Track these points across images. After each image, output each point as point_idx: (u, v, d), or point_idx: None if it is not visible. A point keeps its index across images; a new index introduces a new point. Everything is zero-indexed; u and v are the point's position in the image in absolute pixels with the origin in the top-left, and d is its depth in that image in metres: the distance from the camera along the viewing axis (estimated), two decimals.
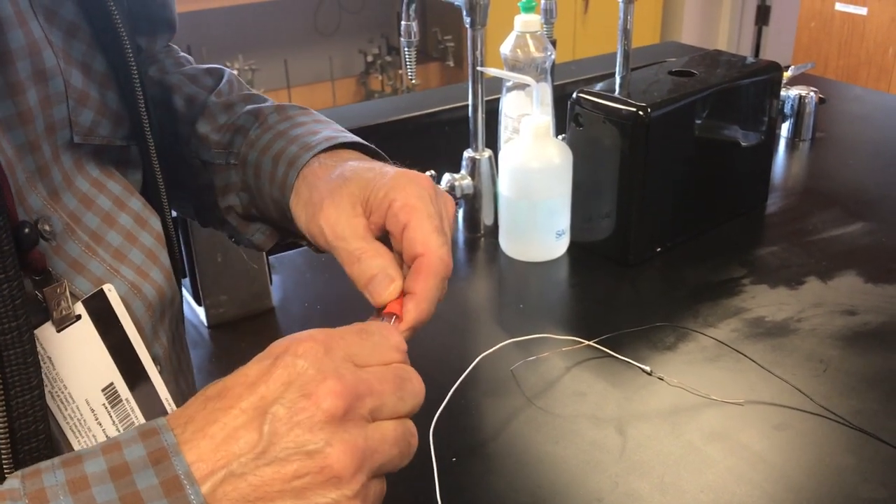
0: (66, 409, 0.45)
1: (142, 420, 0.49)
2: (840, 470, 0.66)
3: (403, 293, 0.47)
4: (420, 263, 0.47)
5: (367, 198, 0.49)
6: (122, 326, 0.48)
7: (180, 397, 0.54)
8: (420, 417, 0.69)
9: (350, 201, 0.50)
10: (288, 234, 0.61)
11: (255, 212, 0.60)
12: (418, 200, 0.48)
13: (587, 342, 0.81)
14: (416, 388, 0.42)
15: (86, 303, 0.46)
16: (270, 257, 0.96)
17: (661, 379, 0.77)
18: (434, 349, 0.84)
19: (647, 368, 0.78)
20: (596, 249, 1.00)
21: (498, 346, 0.78)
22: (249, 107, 0.61)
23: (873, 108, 1.47)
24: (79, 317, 0.46)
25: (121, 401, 0.48)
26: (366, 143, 0.57)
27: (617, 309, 0.91)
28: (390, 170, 0.51)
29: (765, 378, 0.76)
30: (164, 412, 0.50)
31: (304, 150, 0.54)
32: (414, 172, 0.51)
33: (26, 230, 0.42)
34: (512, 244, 1.00)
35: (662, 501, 0.63)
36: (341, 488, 0.36)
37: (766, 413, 0.72)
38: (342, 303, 0.94)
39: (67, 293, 0.45)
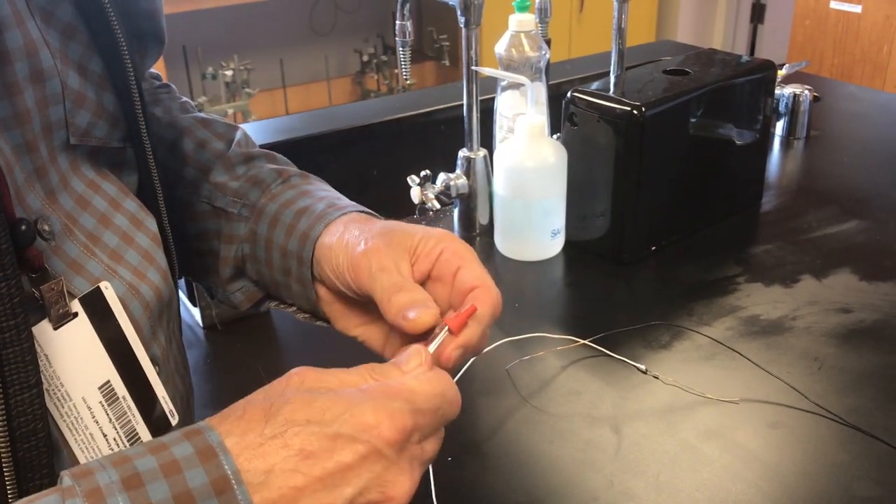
0: (62, 407, 0.45)
1: (139, 418, 0.49)
2: (835, 467, 0.66)
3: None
4: (478, 292, 0.49)
5: (415, 246, 0.51)
6: (118, 323, 0.48)
7: (178, 398, 0.54)
8: None
9: (399, 245, 0.51)
10: (270, 298, 0.61)
11: (250, 267, 0.60)
12: (467, 251, 0.51)
13: (582, 341, 0.81)
14: (454, 409, 0.44)
15: (83, 300, 0.46)
16: None
17: (657, 377, 0.77)
18: None
19: (643, 367, 0.78)
20: (591, 248, 1.00)
21: (493, 346, 0.78)
22: (274, 165, 0.61)
23: (868, 106, 1.47)
24: (76, 314, 0.46)
25: (118, 398, 0.48)
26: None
27: (612, 308, 0.91)
28: (421, 227, 0.53)
29: (760, 376, 0.76)
30: (162, 411, 0.50)
31: (333, 209, 0.55)
32: (443, 231, 0.53)
33: (23, 227, 0.43)
34: (507, 243, 1.00)
35: (658, 500, 0.63)
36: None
37: (761, 411, 0.72)
38: None
39: (65, 291, 0.45)
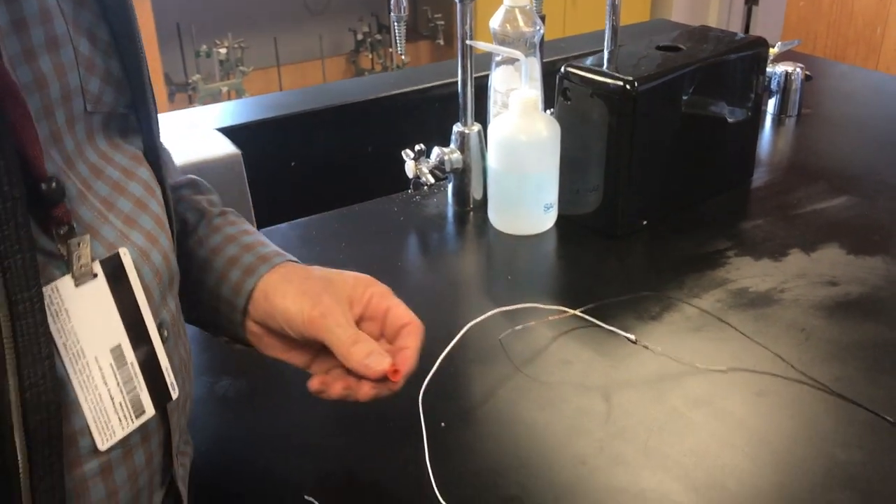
0: (76, 364, 0.46)
1: (143, 386, 0.50)
2: (819, 434, 0.67)
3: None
4: (409, 329, 0.63)
5: (349, 294, 0.63)
6: (132, 291, 0.49)
7: (181, 365, 0.55)
8: (410, 384, 0.70)
9: (341, 296, 0.62)
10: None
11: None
12: (388, 292, 0.65)
13: (573, 311, 0.82)
14: None
15: (103, 263, 0.48)
16: (260, 230, 0.96)
17: (646, 347, 0.78)
18: (423, 318, 0.85)
19: (633, 337, 0.79)
20: (583, 222, 1.01)
21: (486, 316, 0.79)
22: (199, 197, 0.68)
23: (859, 85, 1.48)
24: (95, 275, 0.47)
25: (126, 364, 0.49)
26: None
27: (603, 280, 0.92)
28: (348, 273, 0.65)
29: (747, 346, 0.78)
30: (164, 382, 0.52)
31: (261, 261, 0.63)
32: (367, 277, 0.66)
33: (53, 185, 0.43)
34: (500, 217, 1.01)
35: (646, 465, 0.65)
36: None
37: (749, 380, 0.74)
38: None
39: (89, 249, 0.46)
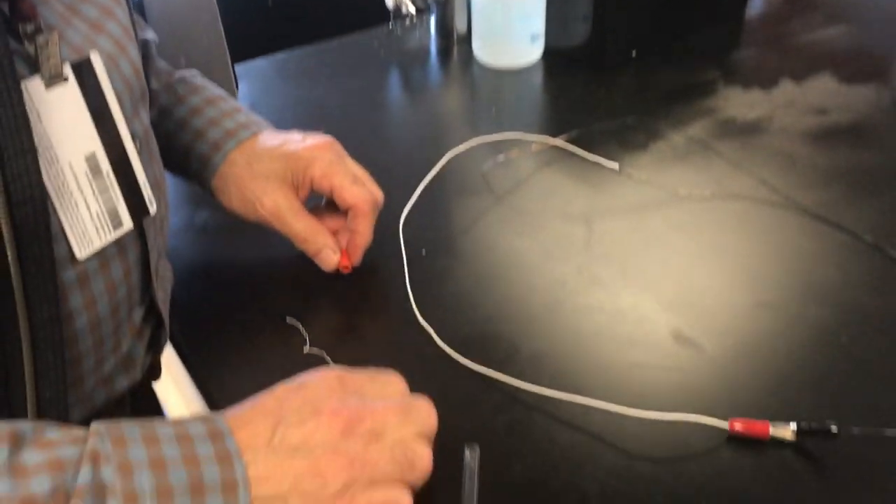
0: (50, 169, 0.45)
1: (120, 197, 0.50)
2: (799, 255, 0.68)
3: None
4: (355, 210, 0.65)
5: (290, 179, 0.64)
6: (104, 97, 0.48)
7: (155, 183, 0.54)
8: (390, 213, 0.70)
9: (281, 189, 0.64)
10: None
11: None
12: (330, 166, 0.64)
13: (557, 139, 0.81)
14: (422, 413, 0.48)
15: (73, 66, 0.46)
16: (235, 66, 0.93)
17: (630, 176, 0.77)
18: (403, 149, 0.84)
19: (616, 166, 0.78)
20: (571, 55, 0.98)
21: (468, 145, 0.77)
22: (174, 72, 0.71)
23: None
24: (66, 79, 0.46)
25: (101, 173, 0.48)
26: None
27: (590, 110, 0.90)
28: (298, 144, 0.65)
29: (732, 173, 0.77)
30: (142, 197, 0.51)
31: (229, 137, 0.66)
32: (319, 141, 0.65)
33: None
34: (485, 49, 0.98)
35: (625, 286, 0.65)
36: (326, 489, 0.42)
37: (731, 205, 0.73)
38: (312, 108, 0.93)
39: (58, 49, 0.45)
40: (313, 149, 0.65)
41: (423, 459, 0.46)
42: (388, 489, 0.44)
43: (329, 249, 0.65)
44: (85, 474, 0.37)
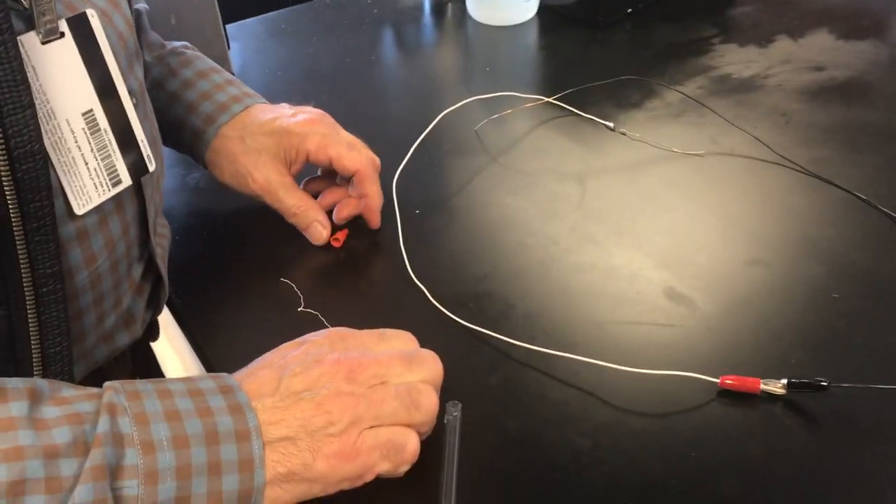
0: (47, 124, 0.45)
1: (118, 155, 0.50)
2: (793, 212, 0.68)
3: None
4: (360, 175, 0.65)
5: (282, 154, 0.65)
6: (101, 53, 0.48)
7: (151, 140, 0.54)
8: (383, 173, 0.70)
9: (273, 163, 0.65)
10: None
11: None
12: (324, 138, 0.65)
13: (551, 98, 0.80)
14: (427, 362, 0.49)
15: (69, 21, 0.46)
16: (227, 26, 0.92)
17: (624, 134, 0.77)
18: (396, 109, 0.83)
19: (611, 124, 0.78)
20: (566, 12, 0.97)
21: (461, 103, 0.77)
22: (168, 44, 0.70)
23: None
24: (62, 34, 0.45)
25: (99, 130, 0.48)
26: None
27: (584, 68, 0.89)
28: (290, 120, 0.65)
29: (727, 131, 0.77)
30: (141, 155, 0.51)
31: (221, 111, 0.66)
32: (310, 116, 0.66)
33: None
34: (480, 7, 0.97)
35: (618, 243, 0.65)
36: (333, 426, 0.44)
37: (726, 163, 0.73)
38: (305, 67, 0.92)
39: (53, 4, 0.44)
40: (305, 124, 0.65)
41: (429, 400, 0.47)
42: (394, 428, 0.45)
43: (318, 224, 0.66)
44: (103, 424, 0.39)
